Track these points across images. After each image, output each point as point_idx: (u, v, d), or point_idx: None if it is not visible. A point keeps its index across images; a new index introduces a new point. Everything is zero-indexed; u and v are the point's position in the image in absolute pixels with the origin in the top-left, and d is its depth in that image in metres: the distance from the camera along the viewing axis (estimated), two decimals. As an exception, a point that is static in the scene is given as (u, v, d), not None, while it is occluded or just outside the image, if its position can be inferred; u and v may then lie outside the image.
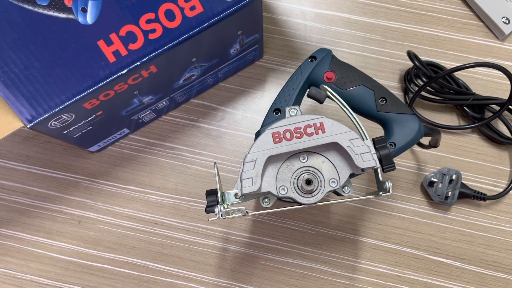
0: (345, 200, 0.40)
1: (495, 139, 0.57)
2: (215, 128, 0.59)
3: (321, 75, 0.45)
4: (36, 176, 0.58)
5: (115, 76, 0.42)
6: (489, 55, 0.61)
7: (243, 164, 0.37)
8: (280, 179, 0.38)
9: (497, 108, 0.57)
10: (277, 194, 0.37)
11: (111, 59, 0.42)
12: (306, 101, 0.45)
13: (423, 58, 0.58)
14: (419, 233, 0.56)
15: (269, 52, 0.61)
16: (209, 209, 0.39)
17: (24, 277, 0.56)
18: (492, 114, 0.56)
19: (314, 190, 0.37)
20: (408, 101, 0.58)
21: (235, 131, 0.59)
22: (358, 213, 0.57)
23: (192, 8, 0.43)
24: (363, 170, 0.37)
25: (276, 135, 0.37)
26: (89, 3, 0.42)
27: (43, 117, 0.42)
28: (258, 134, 0.42)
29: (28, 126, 0.42)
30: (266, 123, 0.44)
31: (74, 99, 0.42)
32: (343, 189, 0.38)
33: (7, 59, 0.41)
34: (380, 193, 0.39)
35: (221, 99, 0.60)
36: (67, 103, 0.42)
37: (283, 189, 0.37)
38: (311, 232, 0.57)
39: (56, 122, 0.44)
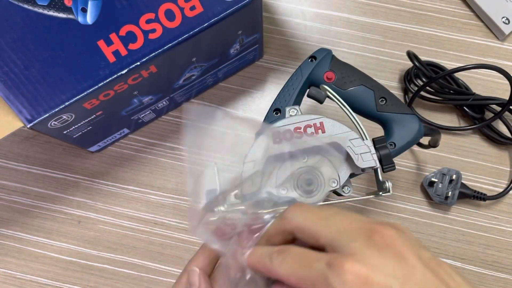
0: (345, 200, 0.40)
1: (495, 139, 0.57)
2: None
3: (321, 75, 0.45)
4: (36, 176, 0.58)
5: (115, 76, 0.42)
6: (489, 55, 0.61)
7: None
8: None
9: (497, 108, 0.57)
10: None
11: (111, 59, 0.42)
12: (306, 101, 0.45)
13: (423, 58, 0.58)
14: (419, 233, 0.56)
15: (269, 52, 0.61)
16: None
17: (24, 277, 0.56)
18: (492, 114, 0.56)
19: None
20: (408, 101, 0.58)
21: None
22: (358, 213, 0.57)
23: (192, 8, 0.43)
24: (363, 170, 0.37)
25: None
26: (89, 3, 0.42)
27: (43, 117, 0.42)
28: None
29: (28, 126, 0.42)
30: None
31: (74, 99, 0.42)
32: (343, 189, 0.38)
33: (7, 59, 0.41)
34: (380, 193, 0.39)
35: (221, 99, 0.60)
36: (67, 103, 0.42)
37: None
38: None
39: (56, 122, 0.44)
